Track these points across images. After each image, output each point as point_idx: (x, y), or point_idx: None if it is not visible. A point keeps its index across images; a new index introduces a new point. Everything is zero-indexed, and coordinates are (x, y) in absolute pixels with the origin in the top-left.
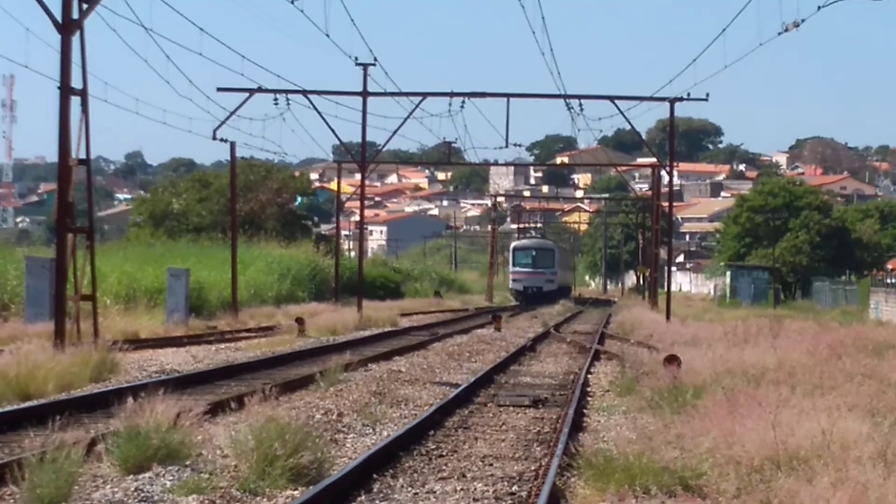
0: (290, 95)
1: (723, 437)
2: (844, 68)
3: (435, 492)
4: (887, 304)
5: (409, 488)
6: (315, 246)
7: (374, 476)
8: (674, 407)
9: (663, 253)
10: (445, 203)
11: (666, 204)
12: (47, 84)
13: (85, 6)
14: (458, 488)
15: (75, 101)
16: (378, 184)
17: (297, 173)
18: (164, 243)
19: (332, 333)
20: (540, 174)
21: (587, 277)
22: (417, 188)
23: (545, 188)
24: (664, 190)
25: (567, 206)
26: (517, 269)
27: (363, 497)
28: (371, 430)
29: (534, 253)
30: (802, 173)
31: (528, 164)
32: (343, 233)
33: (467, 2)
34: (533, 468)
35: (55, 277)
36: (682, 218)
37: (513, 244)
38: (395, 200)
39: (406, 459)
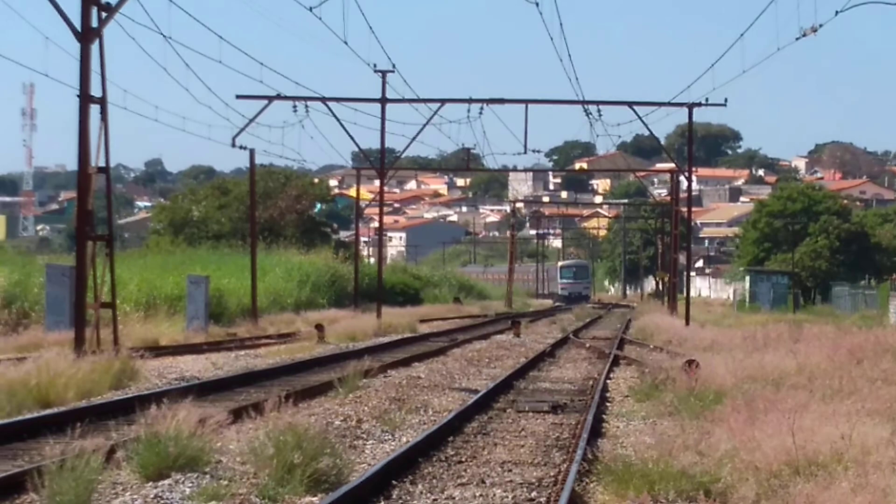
0: (309, 102)
1: (742, 442)
2: (863, 73)
3: (454, 498)
4: None
5: (429, 494)
6: (334, 252)
7: (394, 482)
8: (693, 412)
9: (682, 258)
10: (464, 209)
11: (685, 209)
12: (67, 92)
13: (104, 14)
14: (478, 494)
15: (95, 110)
16: (397, 190)
17: (316, 180)
18: (183, 250)
19: (352, 340)
20: (559, 180)
21: (606, 283)
22: (436, 194)
23: (564, 194)
24: (683, 195)
25: (586, 212)
26: (563, 280)
27: (382, 503)
28: (390, 437)
29: (574, 269)
30: (821, 178)
31: (547, 170)
32: (362, 239)
33: (485, 8)
34: (552, 474)
35: (75, 285)
36: (701, 223)
37: (559, 263)
38: (414, 207)
39: (425, 465)
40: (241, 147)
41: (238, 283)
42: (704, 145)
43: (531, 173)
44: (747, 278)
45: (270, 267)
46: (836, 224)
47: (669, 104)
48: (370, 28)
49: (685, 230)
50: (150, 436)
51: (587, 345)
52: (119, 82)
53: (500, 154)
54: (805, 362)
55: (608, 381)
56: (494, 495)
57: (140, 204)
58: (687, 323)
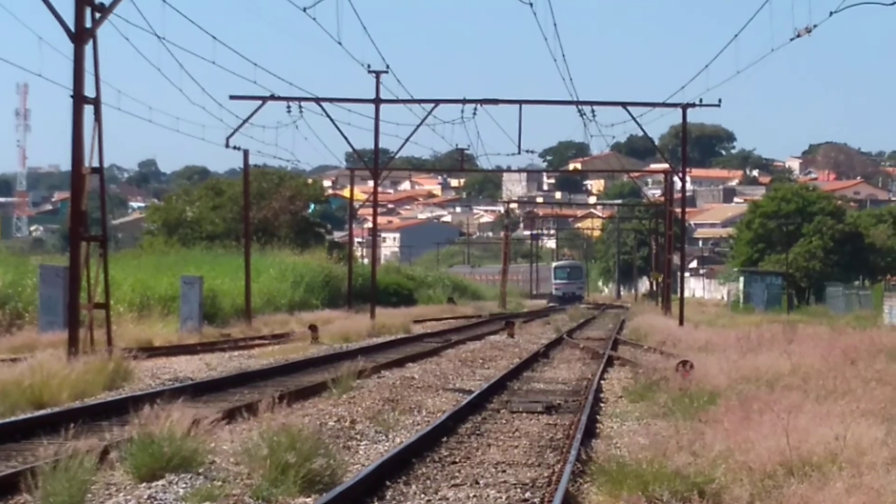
0: (302, 103)
1: (736, 443)
2: (857, 73)
3: (448, 498)
4: None
5: (423, 495)
6: (328, 253)
7: (388, 483)
8: (687, 413)
9: (676, 259)
10: (458, 209)
11: (679, 210)
12: (60, 93)
13: (98, 15)
14: (471, 495)
15: (88, 110)
16: (391, 191)
17: (309, 181)
18: (177, 251)
19: (346, 340)
20: (553, 180)
21: (600, 283)
22: (430, 195)
23: (558, 194)
24: (677, 196)
25: (580, 213)
26: (558, 280)
27: None
28: (384, 437)
29: (568, 270)
30: (815, 178)
31: (541, 171)
32: (356, 240)
33: (479, 9)
34: (546, 475)
35: (69, 286)
36: (695, 224)
37: (553, 264)
38: (407, 207)
39: (419, 466)
40: (234, 148)
41: (232, 283)
42: (698, 146)
43: (525, 174)
44: (741, 279)
45: (264, 267)
46: (830, 225)
47: (663, 105)
48: (364, 28)
49: (679, 231)
50: (144, 436)
51: (581, 345)
52: (113, 83)
53: (494, 154)
54: (799, 363)
55: (602, 382)
56: (488, 496)
57: (134, 204)
58: (681, 323)
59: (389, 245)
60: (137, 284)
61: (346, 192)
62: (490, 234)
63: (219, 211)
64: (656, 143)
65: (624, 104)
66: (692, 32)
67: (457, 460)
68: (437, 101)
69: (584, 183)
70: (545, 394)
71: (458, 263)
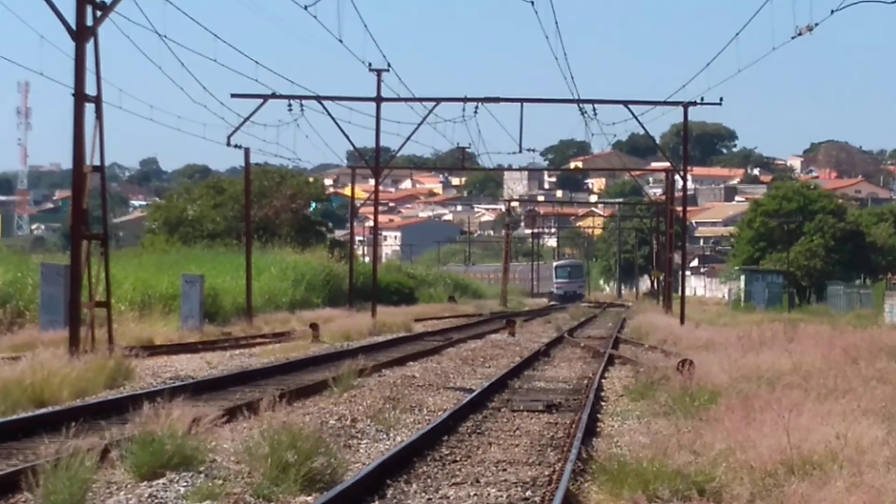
0: (304, 101)
1: (737, 441)
2: (858, 72)
3: (448, 497)
4: None
5: (423, 494)
6: (329, 251)
7: (388, 482)
8: (688, 412)
9: (677, 257)
10: (459, 208)
11: (680, 208)
12: (62, 91)
13: (99, 13)
14: (472, 493)
15: (90, 108)
16: (392, 189)
17: (311, 179)
18: (178, 250)
19: (347, 339)
20: (554, 179)
21: (601, 282)
22: (431, 193)
23: (559, 193)
24: (678, 194)
25: (581, 211)
26: (559, 280)
27: (377, 503)
28: (385, 436)
29: (569, 269)
30: (817, 177)
31: (542, 169)
32: (357, 238)
33: (481, 7)
34: (546, 473)
35: (70, 284)
36: (696, 222)
37: (554, 263)
38: (409, 206)
39: (420, 465)
40: (236, 146)
41: (233, 282)
42: (700, 144)
43: (526, 172)
44: (742, 277)
45: (265, 266)
46: (831, 223)
47: (665, 103)
48: (365, 27)
49: (680, 229)
50: (145, 435)
51: (582, 344)
52: (114, 81)
53: (496, 153)
54: (800, 361)
55: (603, 381)
56: (489, 495)
57: (135, 203)
58: (682, 322)
59: (390, 244)
60: (138, 283)
61: (347, 191)
62: (491, 232)
63: (220, 209)
64: (657, 141)
65: (625, 102)
66: (693, 31)
67: (457, 459)
68: (438, 100)
69: (586, 181)
70: (546, 392)
71: (457, 262)
